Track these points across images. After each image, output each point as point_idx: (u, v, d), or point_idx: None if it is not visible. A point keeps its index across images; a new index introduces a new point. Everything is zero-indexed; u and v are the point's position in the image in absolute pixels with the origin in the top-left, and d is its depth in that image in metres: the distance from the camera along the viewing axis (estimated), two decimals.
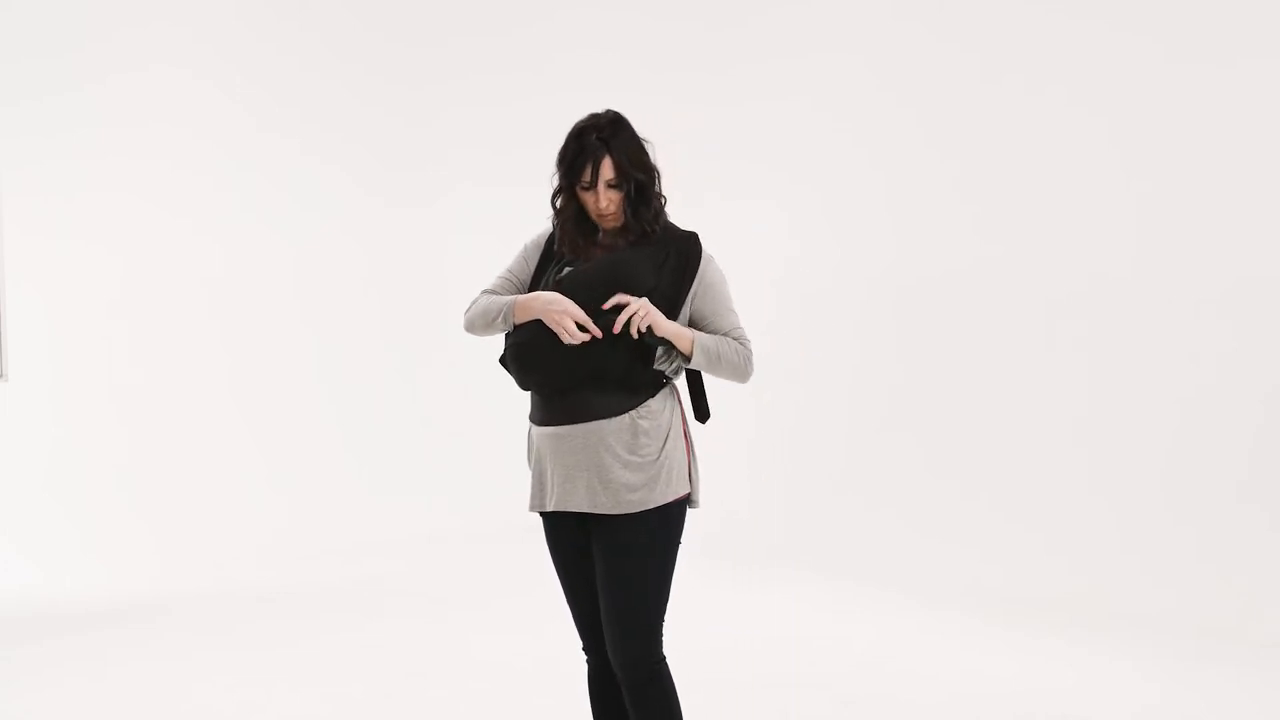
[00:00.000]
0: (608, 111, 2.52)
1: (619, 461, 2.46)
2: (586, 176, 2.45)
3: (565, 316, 2.40)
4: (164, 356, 6.29)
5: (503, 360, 2.56)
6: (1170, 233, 4.88)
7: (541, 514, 2.60)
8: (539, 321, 2.45)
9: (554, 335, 2.42)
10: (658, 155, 2.54)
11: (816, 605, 5.06)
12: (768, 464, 6.16)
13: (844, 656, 4.31)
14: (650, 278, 2.48)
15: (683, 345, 2.46)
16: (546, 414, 2.50)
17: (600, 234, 2.56)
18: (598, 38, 6.89)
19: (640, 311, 2.40)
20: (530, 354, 2.47)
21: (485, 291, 2.63)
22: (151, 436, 6.22)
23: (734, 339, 2.54)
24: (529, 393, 2.58)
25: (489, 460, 6.81)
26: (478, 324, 2.59)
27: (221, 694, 3.94)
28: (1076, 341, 5.16)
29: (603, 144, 2.44)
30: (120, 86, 6.14)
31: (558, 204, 2.55)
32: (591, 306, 2.43)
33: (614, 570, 2.48)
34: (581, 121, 2.50)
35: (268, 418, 6.60)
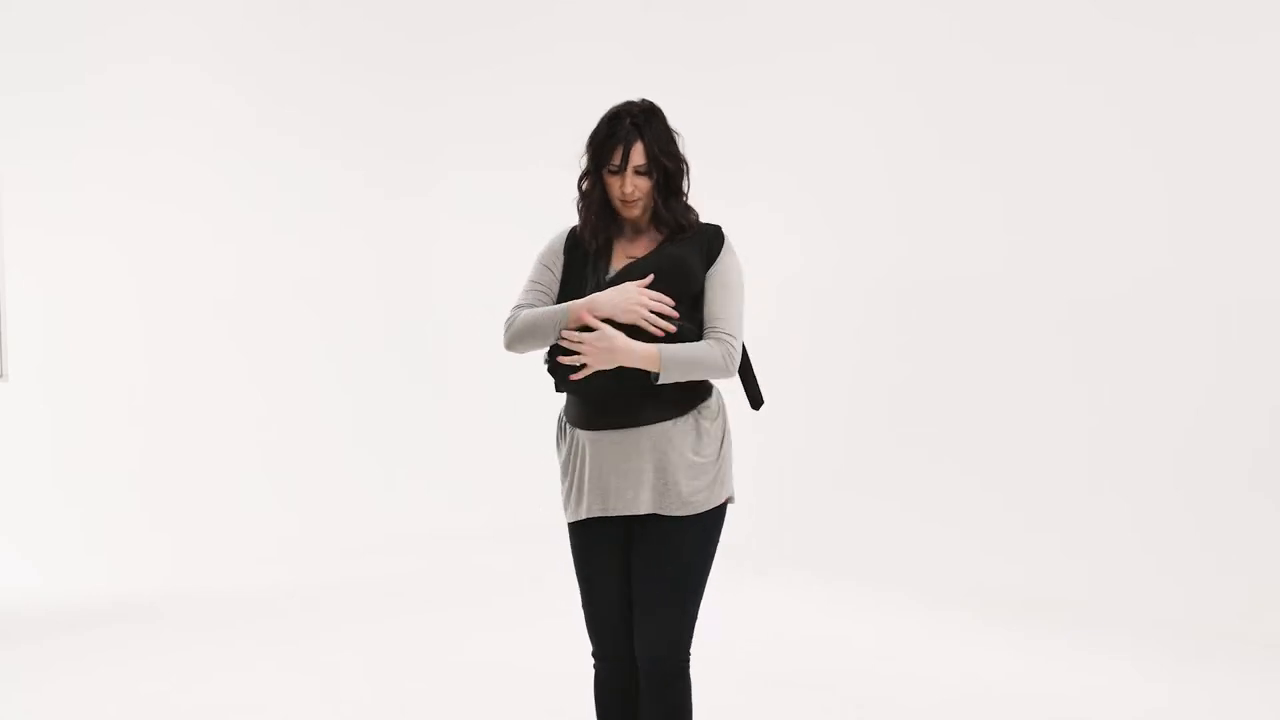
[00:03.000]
0: (643, 100, 2.52)
1: (684, 462, 2.46)
2: (616, 159, 2.44)
3: (642, 307, 2.38)
4: (166, 354, 6.28)
5: (552, 369, 2.49)
6: (1184, 240, 4.87)
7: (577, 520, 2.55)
8: (586, 327, 2.40)
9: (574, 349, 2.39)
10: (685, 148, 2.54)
11: (818, 606, 5.06)
12: (770, 464, 6.15)
13: (846, 657, 4.30)
14: (701, 273, 2.49)
15: (651, 365, 2.39)
16: (602, 417, 2.46)
17: (625, 224, 2.53)
18: (599, 31, 6.88)
19: (585, 357, 2.37)
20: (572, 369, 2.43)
21: (517, 307, 2.55)
22: (153, 435, 6.21)
23: (714, 337, 2.45)
24: (564, 398, 2.55)
25: (492, 458, 6.81)
26: (527, 340, 2.49)
27: (221, 694, 3.93)
28: (1079, 343, 5.16)
29: (636, 129, 2.44)
30: (119, 79, 6.12)
31: (584, 186, 2.52)
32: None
33: (665, 571, 2.48)
34: (616, 107, 2.50)
35: (268, 416, 6.58)
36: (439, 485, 6.83)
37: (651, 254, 2.49)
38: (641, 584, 2.50)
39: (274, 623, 4.85)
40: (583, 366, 2.39)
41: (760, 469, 6.17)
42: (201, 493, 6.25)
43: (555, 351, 2.46)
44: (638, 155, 2.44)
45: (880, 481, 5.80)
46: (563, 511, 2.59)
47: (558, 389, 2.56)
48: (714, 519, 2.52)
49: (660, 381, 2.41)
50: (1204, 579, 4.65)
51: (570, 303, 2.46)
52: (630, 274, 2.46)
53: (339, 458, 6.75)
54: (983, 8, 5.47)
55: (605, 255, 2.53)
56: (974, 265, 5.50)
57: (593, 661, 2.64)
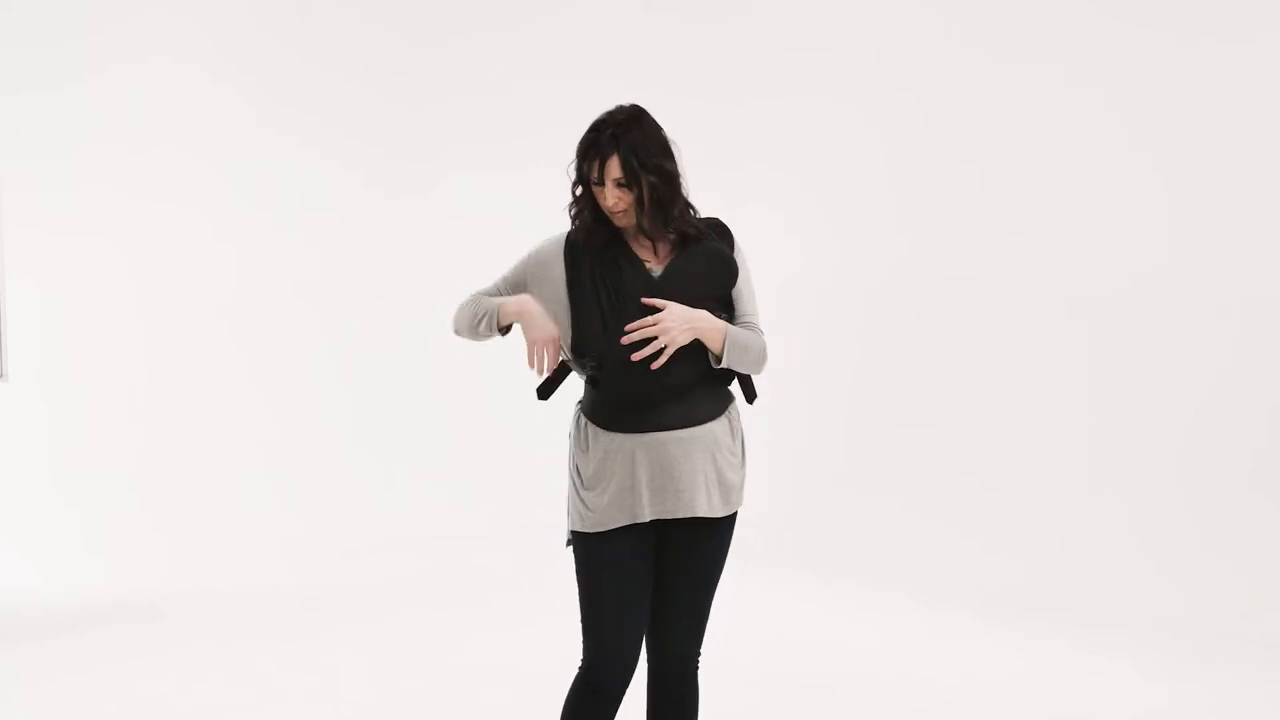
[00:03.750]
0: (630, 107, 2.44)
1: (727, 462, 2.48)
2: (594, 173, 2.40)
3: (541, 346, 2.42)
4: (166, 354, 6.28)
5: (592, 380, 2.44)
6: (1184, 240, 4.87)
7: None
8: (618, 340, 2.36)
9: (643, 344, 2.35)
10: (681, 155, 2.47)
11: (817, 605, 5.06)
12: (769, 464, 6.15)
13: (845, 657, 4.30)
14: (736, 266, 2.49)
15: (715, 343, 2.41)
16: (661, 418, 2.41)
17: (622, 231, 2.49)
18: (599, 31, 6.88)
19: (666, 336, 2.34)
20: (636, 369, 2.37)
21: (477, 293, 2.57)
22: (153, 435, 6.21)
23: (757, 326, 2.52)
24: (595, 404, 2.45)
25: (492, 459, 6.81)
26: (462, 329, 2.56)
27: (222, 694, 3.93)
28: (1079, 343, 5.16)
29: (613, 141, 2.36)
30: (119, 79, 6.12)
31: (577, 192, 2.48)
32: (696, 299, 2.41)
33: (703, 570, 2.51)
34: (602, 115, 2.43)
35: (268, 416, 6.58)
36: (439, 485, 6.83)
37: (693, 252, 2.45)
38: (679, 584, 2.51)
39: (274, 623, 4.85)
40: (659, 354, 2.35)
41: (760, 469, 6.16)
42: (201, 493, 6.25)
43: (598, 364, 2.39)
44: (614, 169, 2.37)
45: (880, 481, 5.80)
46: (580, 520, 2.46)
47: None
48: (735, 518, 2.56)
49: (722, 364, 2.42)
50: (1204, 579, 4.65)
51: (498, 300, 2.48)
52: (677, 272, 2.42)
53: (339, 458, 6.75)
54: (983, 8, 5.47)
55: (626, 253, 2.46)
56: (974, 265, 5.50)
57: (582, 669, 2.50)
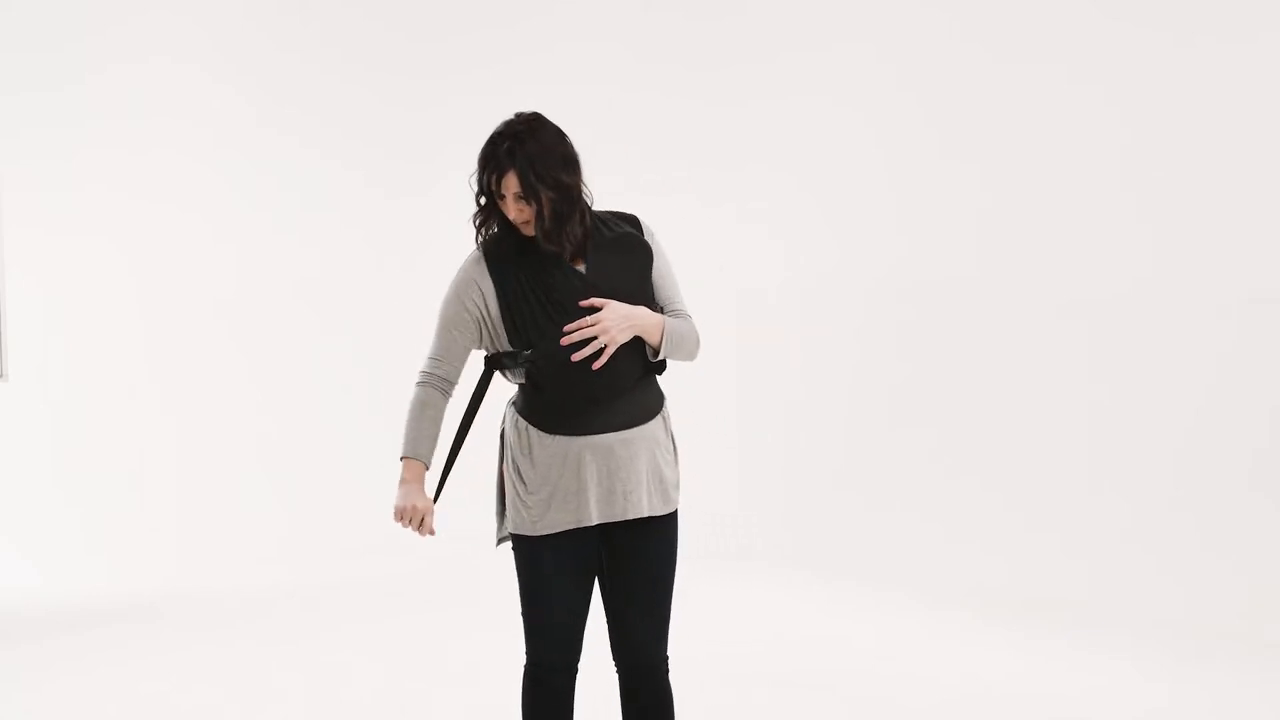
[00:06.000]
0: (529, 116, 2.38)
1: (664, 460, 2.48)
2: (493, 186, 2.35)
3: (414, 521, 2.51)
4: (166, 354, 6.29)
5: (532, 382, 2.42)
6: (1184, 239, 4.86)
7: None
8: (559, 342, 2.35)
9: (583, 344, 2.33)
10: (581, 163, 2.39)
11: (817, 605, 5.06)
12: (768, 463, 6.16)
13: (845, 657, 4.30)
14: (648, 241, 2.48)
15: (654, 337, 2.41)
16: (602, 420, 2.39)
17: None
18: (599, 31, 6.86)
19: (606, 335, 2.33)
20: (578, 371, 2.35)
21: (423, 381, 2.69)
22: (153, 435, 6.21)
23: (681, 317, 2.50)
24: (536, 408, 2.44)
25: (492, 458, 6.80)
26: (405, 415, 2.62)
27: (222, 694, 3.93)
28: (1079, 343, 5.16)
29: (509, 156, 2.31)
30: (119, 79, 6.13)
31: (482, 202, 2.41)
32: (629, 288, 2.40)
33: (654, 570, 2.48)
34: (501, 124, 2.37)
35: (268, 416, 6.59)
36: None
37: (607, 244, 2.42)
38: (631, 586, 2.47)
39: (274, 623, 4.85)
40: (600, 353, 2.33)
41: (761, 469, 6.17)
42: (201, 493, 6.25)
43: (535, 365, 2.38)
44: (511, 184, 2.32)
45: (880, 481, 5.80)
46: (522, 523, 2.46)
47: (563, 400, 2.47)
48: (677, 517, 2.53)
49: (660, 356, 2.42)
50: (1204, 579, 4.65)
51: (410, 463, 2.66)
52: (603, 267, 2.39)
53: (339, 458, 6.75)
54: (983, 8, 5.47)
55: (549, 254, 2.38)
56: (975, 265, 5.50)
57: (527, 668, 2.50)
